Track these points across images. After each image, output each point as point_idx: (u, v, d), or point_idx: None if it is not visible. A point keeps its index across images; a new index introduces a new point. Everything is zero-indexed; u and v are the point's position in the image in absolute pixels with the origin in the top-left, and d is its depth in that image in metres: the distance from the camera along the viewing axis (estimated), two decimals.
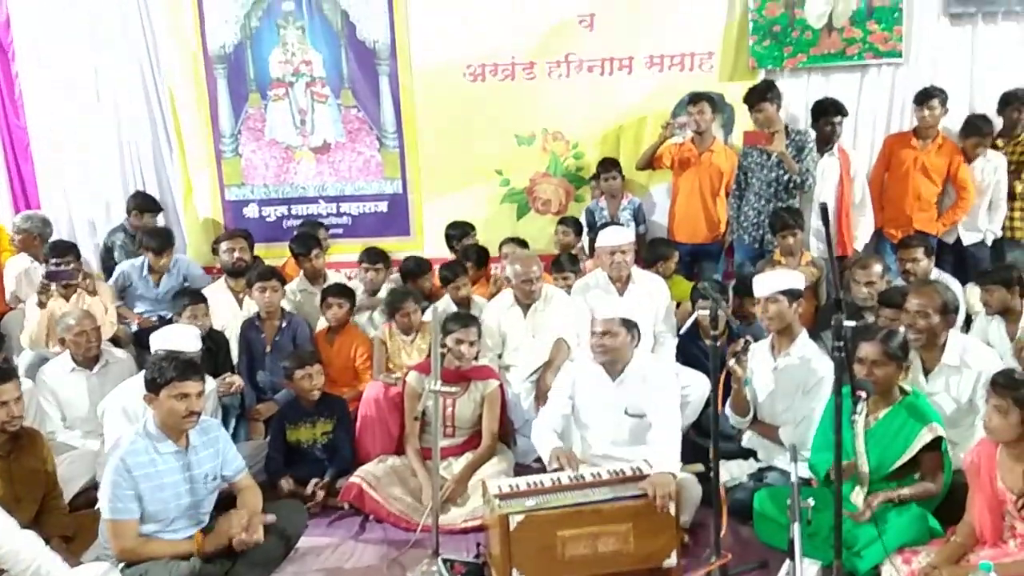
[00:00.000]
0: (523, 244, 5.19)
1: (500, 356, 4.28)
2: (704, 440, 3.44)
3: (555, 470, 3.13)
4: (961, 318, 4.12)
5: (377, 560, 3.29)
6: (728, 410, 3.58)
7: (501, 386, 3.88)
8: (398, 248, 5.51)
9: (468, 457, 3.71)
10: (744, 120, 5.29)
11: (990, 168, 5.00)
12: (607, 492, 2.91)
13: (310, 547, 3.34)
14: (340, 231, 5.88)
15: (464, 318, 3.85)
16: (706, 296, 3.99)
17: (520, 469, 3.80)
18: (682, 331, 4.31)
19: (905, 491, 2.92)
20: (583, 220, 5.43)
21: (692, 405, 3.89)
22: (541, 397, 3.95)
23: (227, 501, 3.10)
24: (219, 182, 5.90)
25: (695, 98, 5.15)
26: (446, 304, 4.49)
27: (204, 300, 4.34)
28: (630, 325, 3.32)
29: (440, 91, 5.58)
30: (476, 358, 3.84)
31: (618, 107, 5.54)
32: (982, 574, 2.38)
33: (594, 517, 2.81)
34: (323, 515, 3.62)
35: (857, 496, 3.01)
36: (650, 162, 5.32)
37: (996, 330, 3.94)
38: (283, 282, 4.61)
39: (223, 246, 4.99)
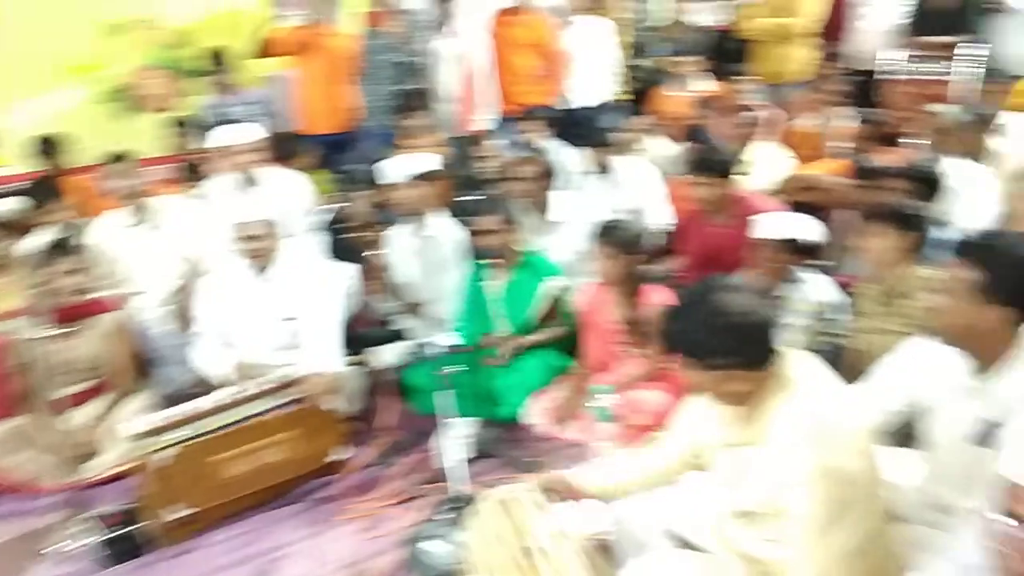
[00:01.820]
0: (119, 158, 4.58)
1: (120, 283, 3.82)
2: (360, 330, 3.47)
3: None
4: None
5: (12, 536, 2.86)
6: (379, 297, 3.63)
7: (125, 317, 3.47)
8: None
9: (104, 401, 3.32)
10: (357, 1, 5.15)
11: (587, 34, 5.47)
12: (262, 404, 2.82)
13: None
14: None
15: (64, 247, 3.32)
16: (345, 187, 3.98)
17: (168, 401, 3.50)
18: (326, 225, 4.22)
19: (533, 337, 3.26)
20: (204, 118, 4.95)
21: (349, 298, 3.88)
22: (182, 321, 3.64)
23: None
24: None
25: None
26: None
27: None
28: (272, 224, 3.16)
29: None
30: (88, 291, 3.36)
31: None
32: (600, 395, 2.77)
33: (249, 434, 2.72)
34: None
35: (499, 351, 3.29)
36: (265, 48, 4.96)
37: (600, 187, 4.46)
38: None
39: None
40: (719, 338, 1.60)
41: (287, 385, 2.91)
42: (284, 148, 4.74)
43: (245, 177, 3.97)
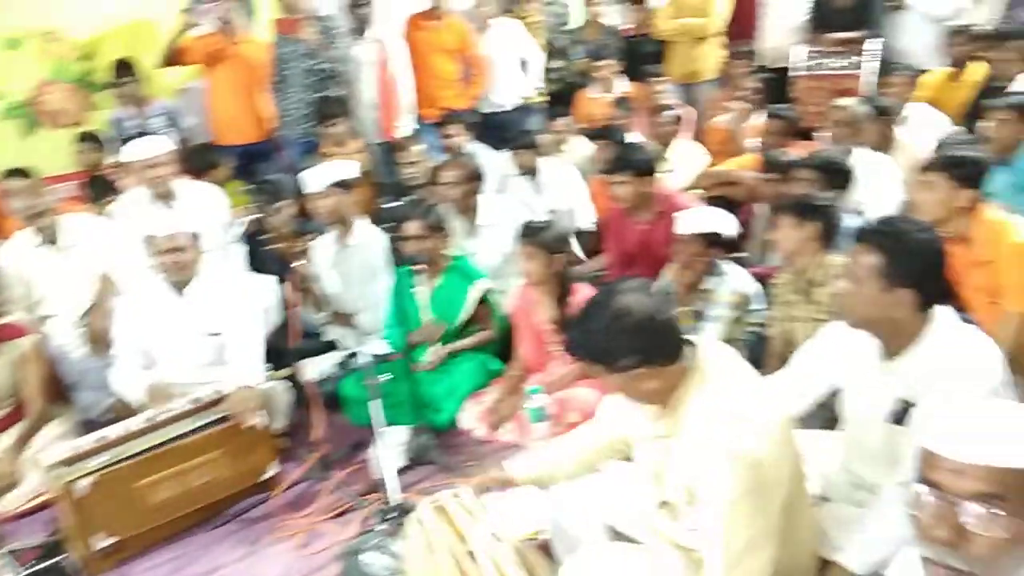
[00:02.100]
0: (24, 174, 4.37)
1: (32, 307, 3.65)
2: (288, 342, 3.40)
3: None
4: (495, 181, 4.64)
5: None
6: (305, 309, 3.58)
7: (38, 341, 3.32)
8: None
9: (19, 430, 3.16)
10: (269, 7, 5.04)
11: (505, 37, 5.49)
12: (187, 424, 2.73)
13: None
14: None
15: None
16: (265, 198, 3.89)
17: (88, 427, 3.37)
18: (246, 237, 4.13)
19: (463, 342, 3.27)
20: (113, 132, 4.78)
21: (272, 310, 3.81)
22: (96, 343, 3.50)
23: None
24: None
25: None
26: None
27: None
28: (192, 238, 3.07)
29: None
30: None
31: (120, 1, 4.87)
32: (533, 396, 2.80)
33: (175, 456, 2.63)
34: None
35: (429, 357, 3.28)
36: (174, 58, 4.80)
37: (525, 188, 4.49)
38: None
39: None
40: (620, 341, 1.62)
41: (213, 403, 2.83)
42: (198, 160, 4.62)
43: (159, 192, 3.83)
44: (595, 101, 5.46)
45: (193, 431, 2.70)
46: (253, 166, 5.12)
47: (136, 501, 2.56)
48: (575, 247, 4.09)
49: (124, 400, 3.09)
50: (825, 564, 1.85)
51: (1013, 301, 2.62)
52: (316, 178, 3.53)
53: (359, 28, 5.03)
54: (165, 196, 3.86)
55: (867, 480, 2.04)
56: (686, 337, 1.70)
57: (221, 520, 2.77)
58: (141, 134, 4.43)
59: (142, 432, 2.68)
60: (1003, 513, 1.03)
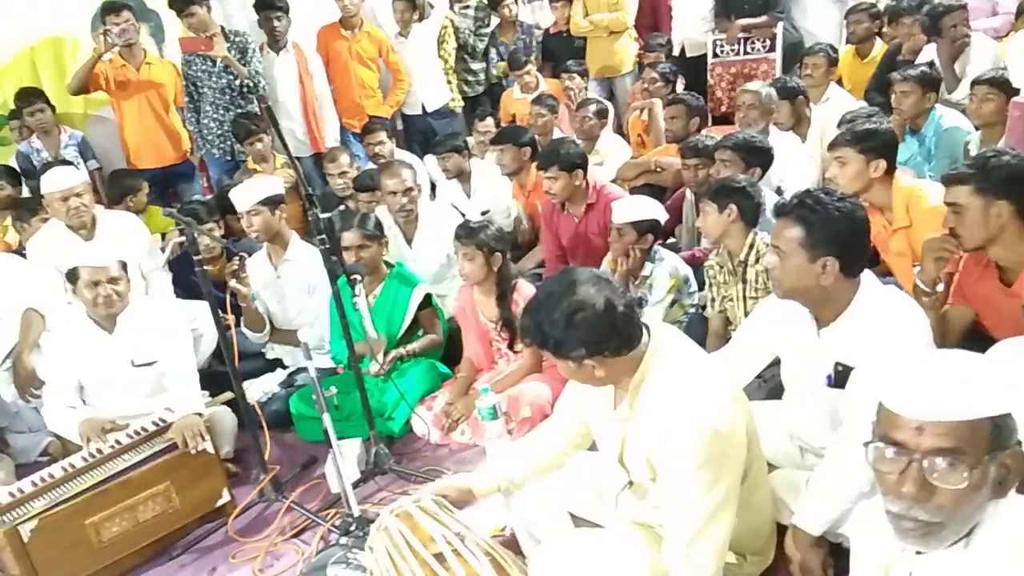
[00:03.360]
0: None
1: None
2: (230, 365, 3.32)
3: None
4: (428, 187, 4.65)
5: None
6: (245, 329, 3.51)
7: None
8: None
9: None
10: (177, 27, 4.92)
11: (422, 42, 5.48)
12: (132, 457, 2.66)
13: None
14: None
15: None
16: (190, 220, 3.78)
17: (26, 470, 3.23)
18: (173, 262, 4.02)
19: (412, 346, 3.26)
20: (17, 166, 4.58)
21: (206, 337, 3.71)
22: (25, 384, 3.36)
23: None
24: None
25: (112, 7, 4.52)
26: None
27: None
28: (120, 267, 2.97)
29: None
30: None
31: (26, 27, 4.67)
32: (483, 396, 2.81)
33: (124, 490, 2.54)
34: None
35: (375, 366, 3.25)
36: (85, 84, 4.63)
37: (456, 191, 4.50)
38: None
39: None
40: (573, 334, 1.64)
41: (156, 433, 2.76)
42: (115, 188, 4.48)
43: (77, 223, 3.69)
44: (519, 101, 5.51)
45: (139, 463, 2.62)
46: (174, 189, 5.00)
47: (86, 540, 2.46)
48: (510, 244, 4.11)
49: (61, 439, 2.98)
50: (782, 529, 1.92)
51: None
52: (242, 196, 3.45)
53: (274, 42, 4.95)
54: (84, 227, 3.72)
55: (812, 444, 2.13)
56: (641, 324, 1.73)
57: (176, 551, 2.69)
58: (51, 164, 4.28)
59: (86, 468, 2.59)
60: (963, 464, 1.10)
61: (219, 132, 4.80)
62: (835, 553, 1.85)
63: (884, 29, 5.08)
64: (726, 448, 1.64)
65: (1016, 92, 3.42)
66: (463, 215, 4.16)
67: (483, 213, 4.33)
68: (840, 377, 1.93)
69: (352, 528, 2.41)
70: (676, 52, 5.74)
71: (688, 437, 1.59)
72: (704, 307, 3.14)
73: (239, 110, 4.75)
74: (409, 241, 3.84)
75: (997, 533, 1.14)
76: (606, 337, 1.65)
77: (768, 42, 5.30)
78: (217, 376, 3.40)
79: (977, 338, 2.21)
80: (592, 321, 1.63)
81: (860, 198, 2.41)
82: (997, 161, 2.12)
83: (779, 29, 5.28)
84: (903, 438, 1.13)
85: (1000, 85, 3.43)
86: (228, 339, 2.80)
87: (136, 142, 4.84)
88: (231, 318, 3.02)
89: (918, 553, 1.20)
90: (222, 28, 4.68)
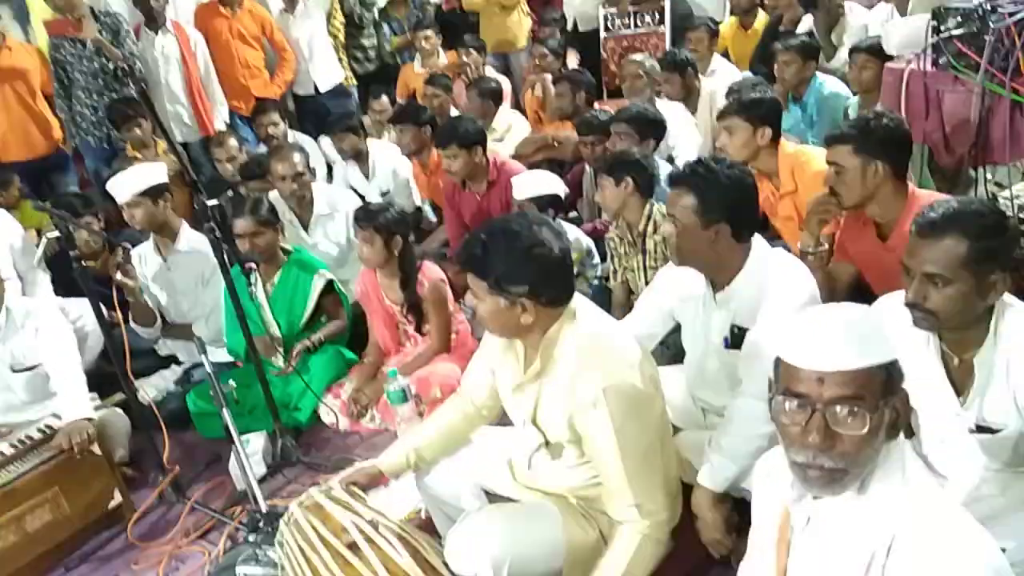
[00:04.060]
0: None
1: None
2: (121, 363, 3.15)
3: None
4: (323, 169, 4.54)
5: None
6: (134, 325, 3.32)
7: None
8: None
9: None
10: (41, 9, 4.59)
11: (310, 19, 5.29)
12: (18, 468, 2.49)
13: None
14: None
15: None
16: (66, 214, 3.54)
17: None
18: (50, 259, 3.76)
19: (317, 335, 3.17)
20: None
21: (93, 334, 3.50)
22: None
23: None
24: None
25: None
26: None
27: None
28: None
29: None
30: None
31: None
32: (391, 379, 2.76)
33: (8, 501, 2.39)
34: None
35: (278, 358, 3.16)
36: None
37: (354, 172, 4.39)
38: None
39: None
40: (527, 268, 1.64)
41: (41, 442, 2.59)
42: None
43: None
44: (421, 75, 5.37)
45: (24, 473, 2.45)
46: (48, 181, 4.68)
47: None
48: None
49: None
50: (688, 489, 1.98)
51: None
52: (121, 187, 3.24)
53: (152, 21, 4.68)
54: None
55: (713, 404, 2.20)
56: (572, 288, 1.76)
57: (74, 562, 2.55)
58: None
59: None
60: (863, 410, 1.15)
61: (93, 119, 4.51)
62: (740, 507, 1.93)
63: (765, 0, 5.24)
64: (642, 402, 1.70)
65: (890, 58, 3.60)
66: (362, 197, 4.07)
67: (383, 194, 4.26)
68: (736, 339, 2.00)
69: (260, 524, 2.33)
70: (569, 27, 5.77)
71: (606, 396, 1.64)
72: (607, 278, 3.19)
73: (114, 94, 4.48)
74: (306, 226, 3.73)
75: (888, 474, 1.20)
76: (552, 282, 1.67)
77: (657, 15, 5.40)
78: (107, 377, 3.22)
79: (862, 293, 2.33)
80: (545, 262, 1.65)
81: (749, 165, 2.48)
82: (877, 123, 2.23)
83: (667, 2, 5.38)
84: (805, 390, 1.18)
85: (877, 53, 3.59)
86: (116, 337, 2.65)
87: (1, 133, 4.50)
88: (119, 314, 2.85)
89: (815, 498, 1.25)
90: (91, 9, 4.39)
